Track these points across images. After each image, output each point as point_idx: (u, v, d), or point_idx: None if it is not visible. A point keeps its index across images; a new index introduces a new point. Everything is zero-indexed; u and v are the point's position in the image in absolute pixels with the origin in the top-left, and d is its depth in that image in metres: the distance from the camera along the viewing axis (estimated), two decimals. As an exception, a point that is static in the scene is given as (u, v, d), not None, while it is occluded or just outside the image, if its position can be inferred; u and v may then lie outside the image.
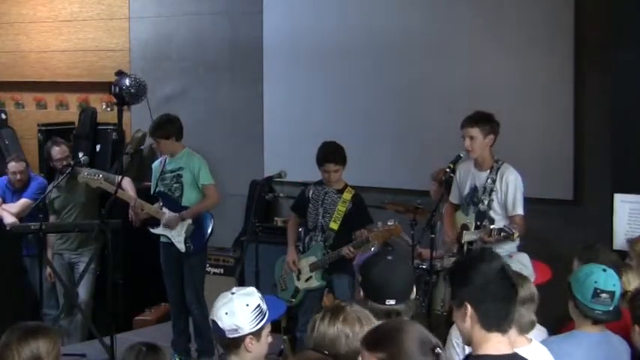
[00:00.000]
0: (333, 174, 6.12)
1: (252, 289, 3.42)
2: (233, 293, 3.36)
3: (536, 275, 4.36)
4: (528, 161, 6.35)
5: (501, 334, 2.76)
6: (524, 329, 3.51)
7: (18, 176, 7.65)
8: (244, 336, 3.31)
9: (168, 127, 6.69)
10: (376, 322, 3.14)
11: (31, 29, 9.76)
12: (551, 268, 4.77)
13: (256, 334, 3.33)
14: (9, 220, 7.42)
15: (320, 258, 6.17)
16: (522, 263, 4.34)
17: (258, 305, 3.34)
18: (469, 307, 2.74)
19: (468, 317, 2.74)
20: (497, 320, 2.75)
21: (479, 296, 2.74)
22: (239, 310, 3.30)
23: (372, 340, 2.55)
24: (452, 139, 6.08)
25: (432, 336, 2.55)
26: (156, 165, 6.92)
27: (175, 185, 6.71)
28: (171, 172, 6.75)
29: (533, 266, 4.46)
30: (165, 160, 6.82)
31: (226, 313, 3.30)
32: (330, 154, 6.12)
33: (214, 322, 3.33)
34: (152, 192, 6.89)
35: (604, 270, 3.68)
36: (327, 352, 3.06)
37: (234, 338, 3.31)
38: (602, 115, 6.29)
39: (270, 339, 3.44)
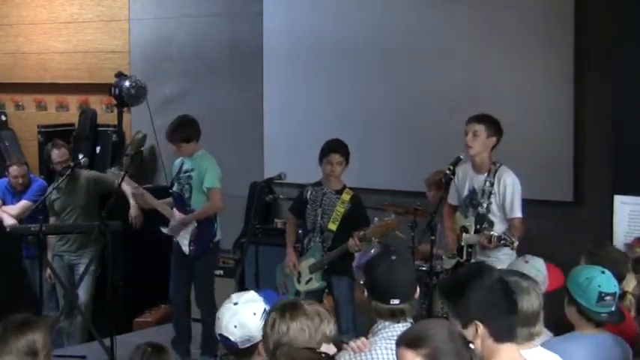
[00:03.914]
0: (337, 166, 6.10)
1: (253, 294, 3.37)
2: (236, 304, 3.29)
3: (550, 281, 4.26)
4: (528, 162, 6.35)
5: (511, 342, 2.79)
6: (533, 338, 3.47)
7: (20, 180, 7.65)
8: (257, 343, 3.25)
9: (185, 130, 6.62)
10: (332, 319, 3.13)
11: (31, 31, 9.76)
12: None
13: None
14: (9, 221, 7.41)
15: (319, 259, 6.17)
16: (537, 269, 4.23)
17: (264, 310, 3.28)
18: (479, 324, 2.75)
19: (479, 335, 2.75)
20: (508, 331, 2.78)
21: (486, 312, 2.76)
22: (248, 320, 3.25)
23: (412, 339, 2.52)
24: (451, 140, 6.08)
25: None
26: (175, 163, 6.84)
27: (186, 186, 6.66)
28: (186, 172, 6.69)
29: (548, 271, 4.35)
30: (183, 160, 6.76)
31: (235, 326, 3.24)
32: (337, 145, 6.13)
33: (224, 336, 3.26)
34: (170, 189, 6.85)
35: (602, 272, 3.67)
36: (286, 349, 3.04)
37: (247, 347, 3.26)
38: (602, 116, 6.27)
39: None
